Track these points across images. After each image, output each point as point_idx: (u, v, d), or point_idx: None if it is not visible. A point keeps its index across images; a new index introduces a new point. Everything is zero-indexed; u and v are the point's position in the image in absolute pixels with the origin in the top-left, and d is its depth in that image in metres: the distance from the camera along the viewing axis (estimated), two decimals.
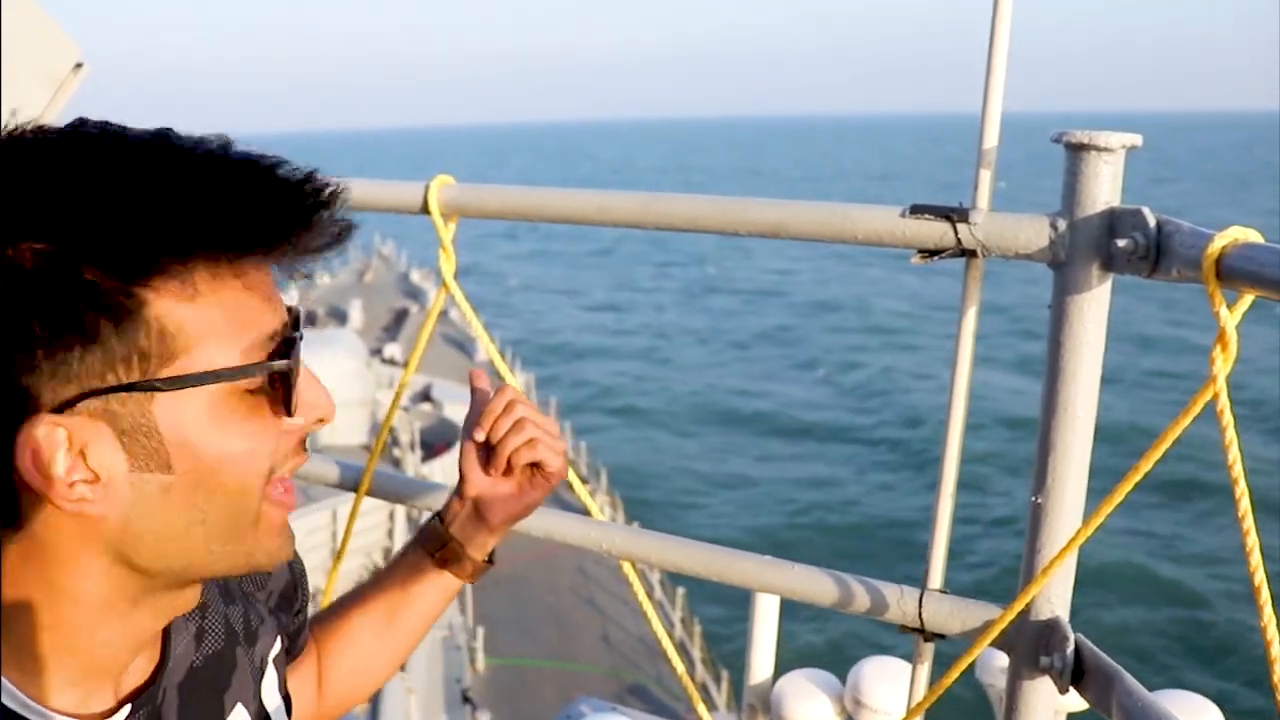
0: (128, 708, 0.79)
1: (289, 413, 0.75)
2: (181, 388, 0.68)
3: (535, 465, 1.10)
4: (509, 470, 1.10)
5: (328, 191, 0.72)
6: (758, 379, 29.70)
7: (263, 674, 0.96)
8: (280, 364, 0.73)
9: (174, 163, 0.69)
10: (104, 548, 0.71)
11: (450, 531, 1.14)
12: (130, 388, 0.67)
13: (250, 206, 0.69)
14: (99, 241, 0.64)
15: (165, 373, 0.68)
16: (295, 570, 1.07)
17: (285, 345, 0.74)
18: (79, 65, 1.63)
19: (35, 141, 0.69)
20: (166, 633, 0.84)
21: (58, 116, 1.69)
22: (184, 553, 0.73)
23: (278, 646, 1.00)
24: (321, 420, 0.78)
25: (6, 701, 0.71)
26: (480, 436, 1.10)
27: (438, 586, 1.16)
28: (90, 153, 0.68)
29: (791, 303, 41.35)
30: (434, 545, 1.15)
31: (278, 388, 0.74)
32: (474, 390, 1.15)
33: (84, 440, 0.67)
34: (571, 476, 1.39)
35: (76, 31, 1.68)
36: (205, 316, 0.69)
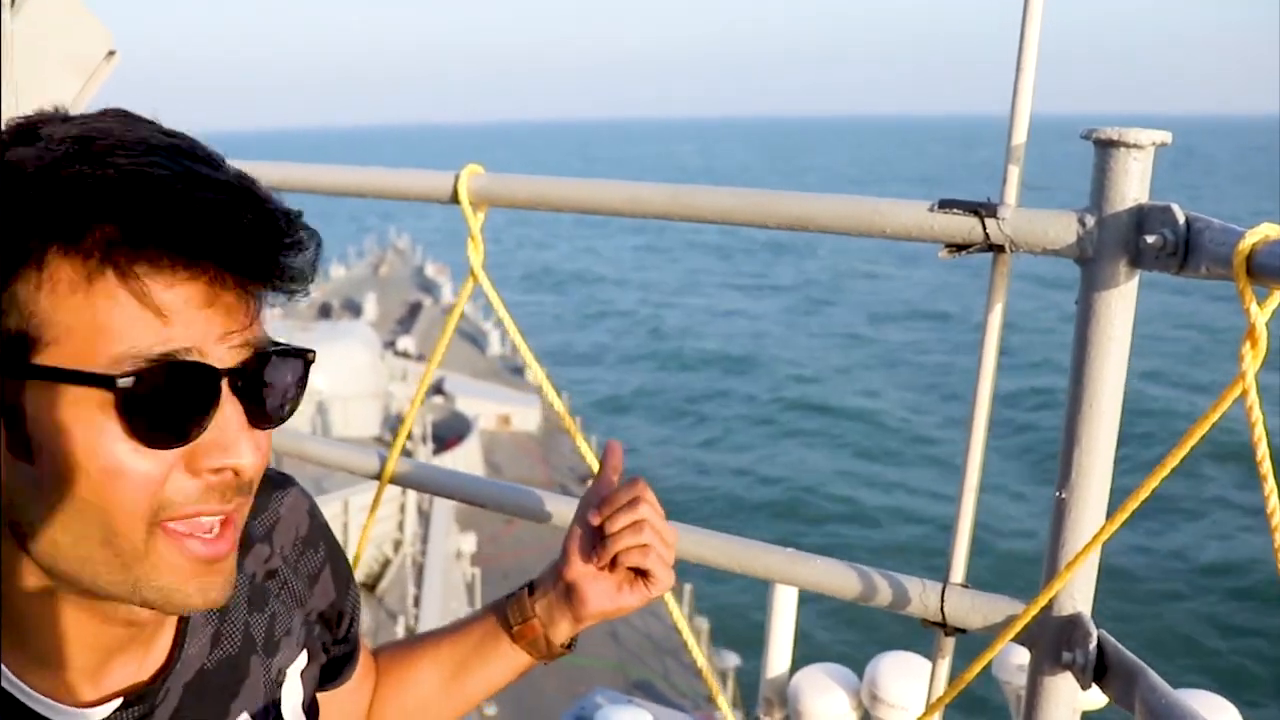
0: (119, 700, 0.77)
1: (159, 444, 0.67)
2: (42, 379, 0.65)
3: (640, 570, 1.06)
4: (612, 565, 1.06)
5: (254, 215, 0.66)
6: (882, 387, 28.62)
7: (279, 685, 0.93)
8: (126, 382, 0.65)
9: (91, 158, 0.65)
10: (9, 528, 0.69)
11: (535, 609, 1.10)
12: (3, 368, 0.66)
13: (155, 213, 0.64)
14: None
15: (35, 360, 0.65)
16: (347, 600, 1.04)
17: (170, 370, 0.66)
18: (111, 53, 1.64)
19: None
20: (181, 632, 0.83)
21: (89, 104, 1.70)
22: (71, 559, 0.69)
23: (303, 660, 0.97)
24: (228, 469, 0.70)
25: None
26: (595, 521, 1.06)
27: (509, 660, 1.13)
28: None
29: (911, 312, 40.02)
30: (516, 618, 1.11)
31: (137, 410, 0.66)
32: (603, 470, 1.11)
33: None
34: (590, 456, 1.38)
35: (105, 21, 1.69)
36: (73, 314, 0.65)
